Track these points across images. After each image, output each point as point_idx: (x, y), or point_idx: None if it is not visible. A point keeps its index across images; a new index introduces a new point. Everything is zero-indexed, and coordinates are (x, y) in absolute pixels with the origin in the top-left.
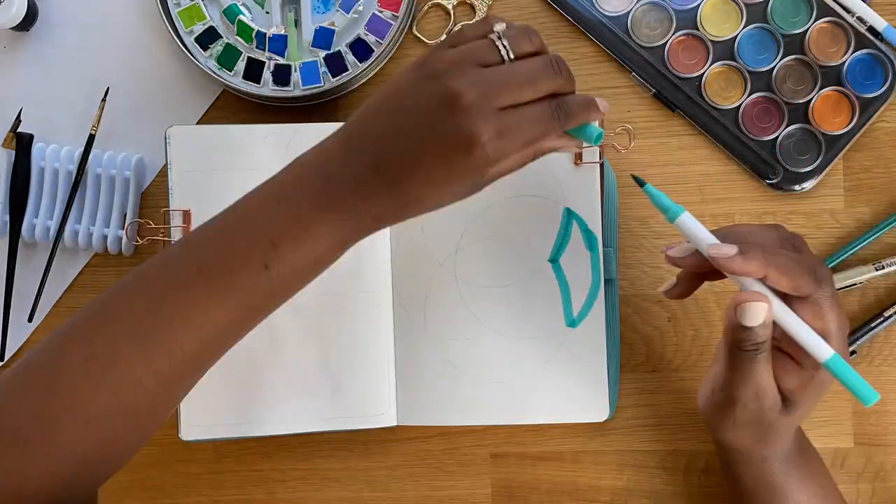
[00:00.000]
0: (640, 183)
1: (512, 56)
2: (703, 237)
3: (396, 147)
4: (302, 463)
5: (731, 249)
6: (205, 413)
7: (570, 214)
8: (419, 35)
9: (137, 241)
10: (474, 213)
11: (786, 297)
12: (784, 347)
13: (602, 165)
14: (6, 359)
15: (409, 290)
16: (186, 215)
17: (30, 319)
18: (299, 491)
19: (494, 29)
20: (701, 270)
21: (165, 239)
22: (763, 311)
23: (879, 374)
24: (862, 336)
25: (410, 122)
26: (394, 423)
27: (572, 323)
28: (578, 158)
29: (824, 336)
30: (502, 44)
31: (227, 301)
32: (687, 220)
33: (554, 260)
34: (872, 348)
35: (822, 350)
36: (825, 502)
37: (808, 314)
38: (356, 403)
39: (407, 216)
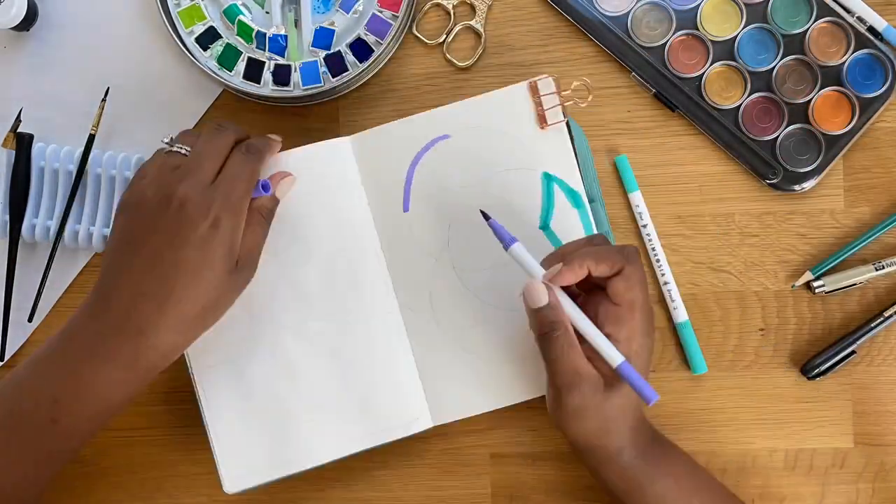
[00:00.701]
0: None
1: (187, 150)
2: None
3: (146, 278)
4: None
5: (556, 267)
6: (243, 462)
7: (548, 178)
8: (419, 35)
9: None
10: (456, 202)
11: (607, 280)
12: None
13: (568, 123)
14: (6, 359)
15: (412, 291)
16: None
17: (30, 319)
18: (300, 491)
19: (163, 142)
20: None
21: None
22: (543, 292)
23: (879, 375)
24: (862, 336)
25: (147, 249)
26: (430, 425)
27: None
28: (543, 121)
29: (633, 304)
30: (177, 147)
31: (24, 455)
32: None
33: (545, 226)
34: (872, 348)
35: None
36: (692, 484)
37: (622, 287)
38: (389, 415)
39: (194, 328)
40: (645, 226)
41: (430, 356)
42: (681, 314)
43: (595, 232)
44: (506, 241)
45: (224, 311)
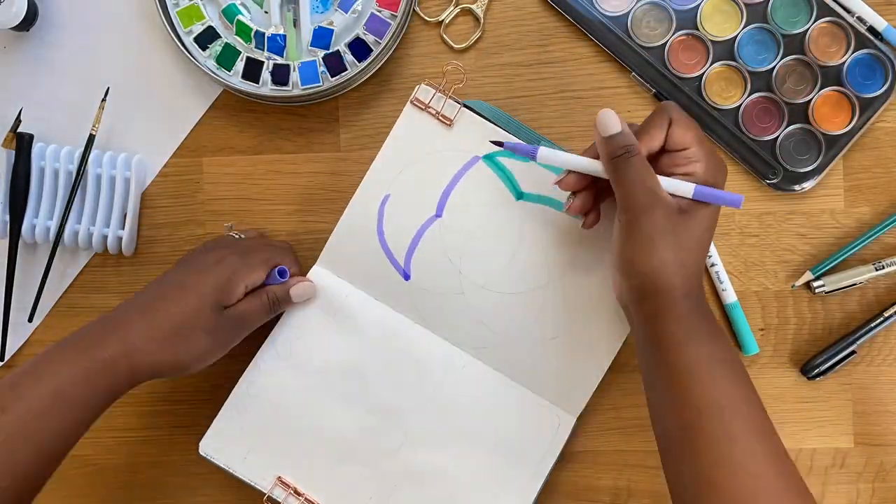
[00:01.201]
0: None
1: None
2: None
3: (149, 290)
4: None
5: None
6: None
7: (489, 157)
8: (420, 12)
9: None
10: (439, 237)
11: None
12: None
13: (466, 106)
14: (6, 359)
15: (467, 332)
16: (283, 482)
17: (30, 319)
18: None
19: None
20: (584, 184)
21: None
22: (615, 117)
23: (879, 375)
24: (862, 336)
25: (167, 275)
26: (573, 420)
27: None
28: (446, 120)
29: (695, 140)
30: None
31: None
32: (545, 151)
33: (520, 195)
34: (872, 348)
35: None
36: (725, 353)
37: (679, 132)
38: (535, 444)
39: (165, 345)
40: None
41: (524, 369)
42: (730, 295)
43: (561, 153)
44: (530, 153)
45: (199, 353)
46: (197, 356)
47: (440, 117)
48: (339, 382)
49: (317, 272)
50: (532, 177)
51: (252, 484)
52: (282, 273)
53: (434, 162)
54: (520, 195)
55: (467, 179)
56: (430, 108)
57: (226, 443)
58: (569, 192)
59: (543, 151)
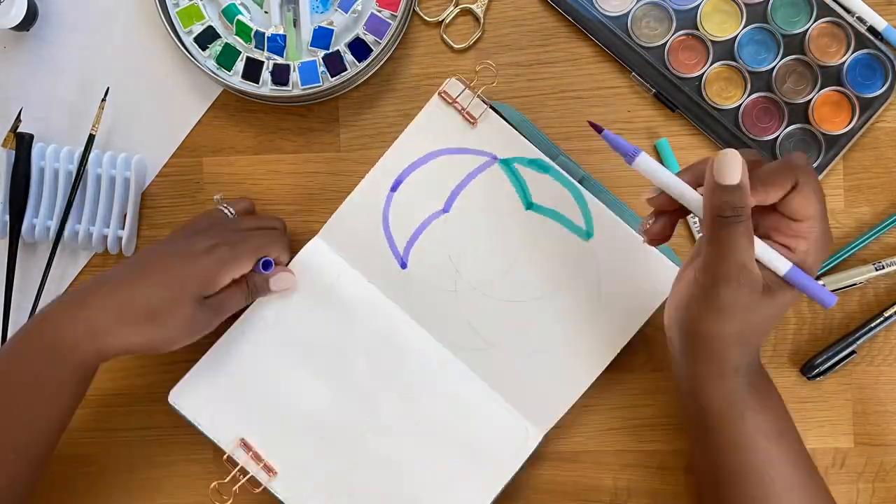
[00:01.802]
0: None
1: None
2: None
3: (127, 263)
4: None
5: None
6: None
7: (506, 163)
8: (420, 11)
9: (227, 501)
10: (442, 232)
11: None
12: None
13: (493, 107)
14: None
15: (452, 331)
16: (245, 444)
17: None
18: None
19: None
20: (675, 207)
21: (248, 476)
22: (738, 165)
23: (879, 375)
24: (862, 336)
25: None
26: (541, 435)
27: (588, 235)
28: (471, 118)
29: (814, 218)
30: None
31: None
32: (644, 160)
33: (530, 205)
34: (872, 348)
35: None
36: (780, 428)
37: (798, 203)
38: (500, 450)
39: (136, 326)
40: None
41: (502, 377)
42: None
43: (571, 182)
44: (628, 153)
45: (169, 338)
46: (168, 340)
47: (465, 114)
48: (318, 357)
49: (316, 244)
50: (545, 189)
51: (215, 441)
52: (266, 265)
53: (451, 157)
54: (529, 205)
55: (480, 180)
56: (456, 103)
57: (196, 397)
58: (649, 212)
59: (644, 158)
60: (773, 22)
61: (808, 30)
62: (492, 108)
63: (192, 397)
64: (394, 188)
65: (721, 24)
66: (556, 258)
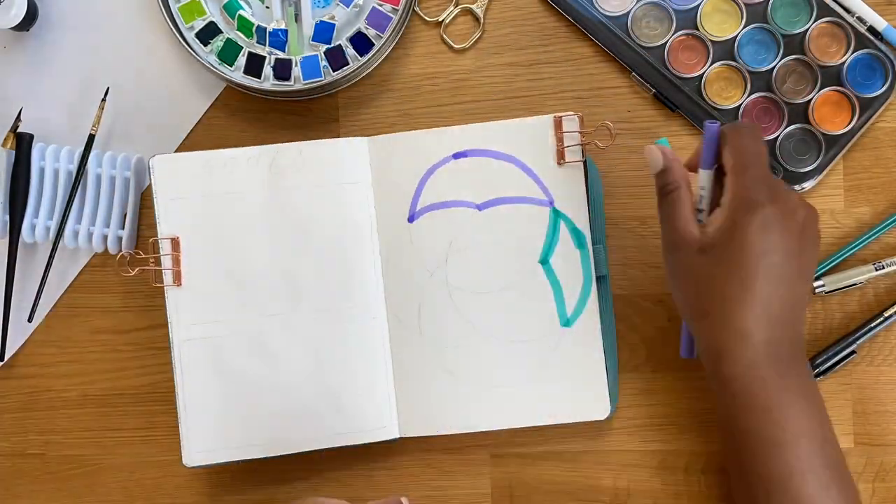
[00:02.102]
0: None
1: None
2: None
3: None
4: (301, 463)
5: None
6: (205, 439)
7: (556, 214)
8: (419, 11)
9: (129, 273)
10: (462, 221)
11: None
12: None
13: (585, 163)
14: (6, 359)
15: (402, 301)
16: (175, 243)
17: (30, 319)
18: (299, 491)
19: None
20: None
21: (157, 268)
22: (658, 154)
23: (879, 375)
24: (862, 336)
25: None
26: (396, 436)
27: (567, 322)
28: (561, 157)
29: (729, 171)
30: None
31: None
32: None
33: (544, 261)
34: (872, 348)
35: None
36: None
37: (723, 155)
38: (356, 419)
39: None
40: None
41: (408, 368)
42: None
43: (590, 272)
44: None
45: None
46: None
47: (560, 150)
48: (285, 230)
49: (360, 143)
50: (566, 260)
51: (158, 220)
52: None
53: (518, 172)
54: (544, 261)
55: (524, 210)
56: (561, 134)
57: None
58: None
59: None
60: (773, 22)
61: (808, 30)
62: (584, 163)
63: (203, 447)
64: (456, 156)
65: (721, 24)
66: (530, 319)
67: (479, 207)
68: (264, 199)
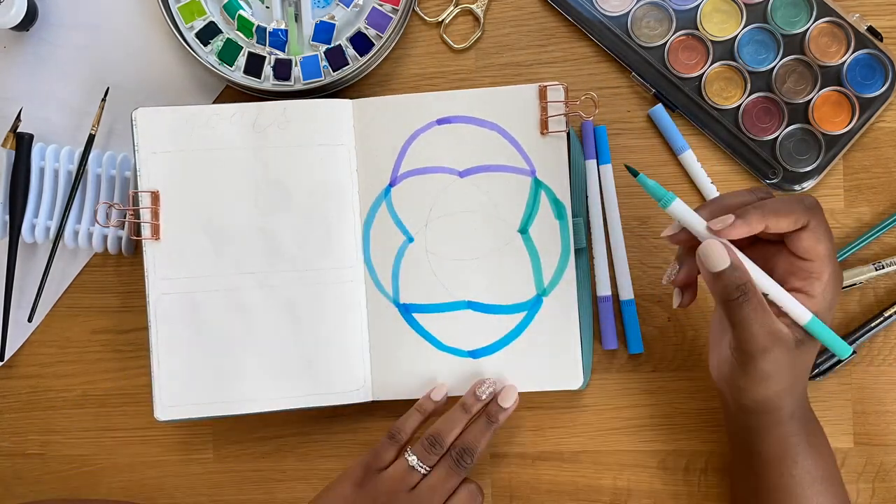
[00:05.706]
0: (634, 173)
1: (426, 470)
2: (696, 221)
3: None
4: (301, 463)
5: (728, 218)
6: (178, 394)
7: (537, 184)
8: (420, 11)
9: (108, 225)
10: (443, 187)
11: (788, 235)
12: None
13: (568, 134)
14: (6, 358)
15: (380, 265)
16: (155, 197)
17: (30, 319)
18: (298, 491)
19: (407, 457)
20: (691, 243)
21: (136, 221)
22: (723, 253)
23: (879, 375)
24: (862, 336)
25: None
26: (369, 399)
27: (543, 292)
28: (545, 127)
29: (824, 258)
30: (418, 464)
31: None
32: (679, 206)
33: (524, 230)
34: (872, 348)
35: (802, 312)
36: (826, 469)
37: (810, 242)
38: (331, 380)
39: None
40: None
41: (383, 332)
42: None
43: (568, 244)
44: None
45: None
46: None
47: (544, 119)
48: (264, 188)
49: (343, 105)
50: (545, 231)
51: (137, 176)
52: None
53: (501, 140)
54: (523, 230)
55: (507, 178)
56: (545, 104)
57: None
58: (672, 265)
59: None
60: (773, 22)
61: (808, 30)
62: (568, 134)
63: (175, 401)
64: (440, 122)
65: (721, 24)
66: (507, 288)
67: (461, 174)
68: (246, 157)
